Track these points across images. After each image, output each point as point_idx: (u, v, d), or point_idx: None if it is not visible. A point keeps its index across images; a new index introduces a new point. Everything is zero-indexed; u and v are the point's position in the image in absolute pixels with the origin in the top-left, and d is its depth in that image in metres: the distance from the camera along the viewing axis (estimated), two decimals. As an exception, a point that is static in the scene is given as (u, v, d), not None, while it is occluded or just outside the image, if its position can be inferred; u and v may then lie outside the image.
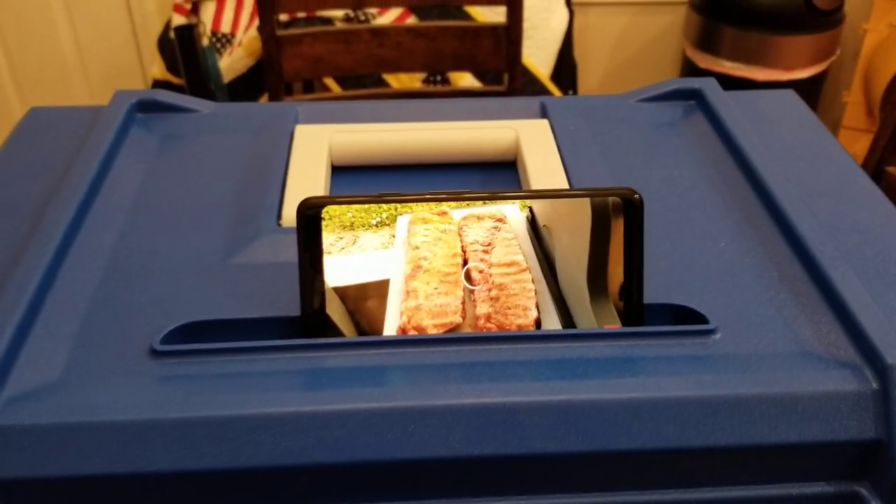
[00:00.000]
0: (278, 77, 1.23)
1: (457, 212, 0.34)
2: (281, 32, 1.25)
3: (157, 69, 1.79)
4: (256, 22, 1.74)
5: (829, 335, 0.35)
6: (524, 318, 0.34)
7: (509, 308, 0.34)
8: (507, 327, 0.35)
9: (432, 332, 0.34)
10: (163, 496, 0.31)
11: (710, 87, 0.52)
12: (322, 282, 0.34)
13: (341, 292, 0.34)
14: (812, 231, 0.39)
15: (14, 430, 0.31)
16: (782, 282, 0.38)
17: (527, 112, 0.51)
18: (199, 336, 0.35)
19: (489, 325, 0.34)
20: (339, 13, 1.59)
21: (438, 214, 0.34)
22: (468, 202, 0.34)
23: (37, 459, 0.30)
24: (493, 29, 1.27)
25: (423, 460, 0.31)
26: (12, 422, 0.31)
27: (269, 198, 0.43)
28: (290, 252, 0.37)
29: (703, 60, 1.86)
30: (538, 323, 0.35)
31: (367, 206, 0.33)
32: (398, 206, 0.34)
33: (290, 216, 0.41)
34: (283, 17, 1.51)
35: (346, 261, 0.33)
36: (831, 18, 1.84)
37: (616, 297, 0.35)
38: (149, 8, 2.10)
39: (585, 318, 0.35)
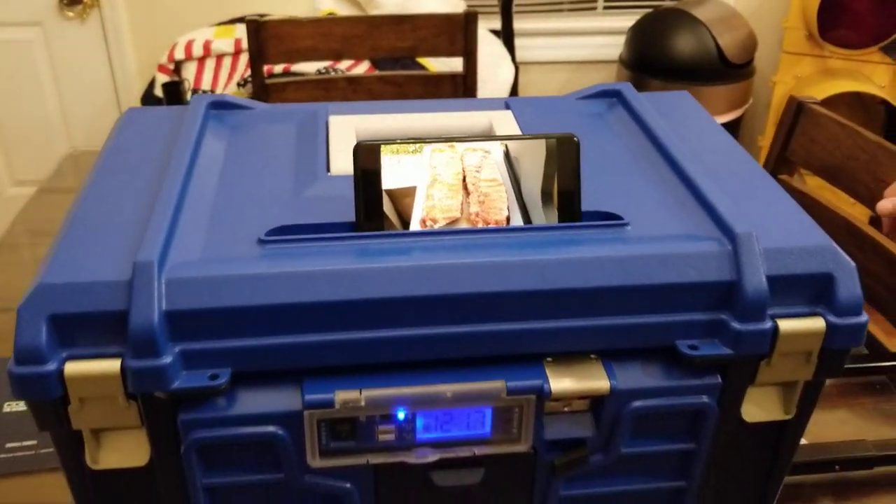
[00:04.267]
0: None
1: (460, 146, 0.53)
2: (269, 81, 1.43)
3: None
4: (235, 78, 1.93)
5: (702, 223, 0.53)
6: (500, 216, 0.53)
7: (490, 209, 0.52)
8: (489, 221, 0.53)
9: (441, 222, 0.52)
10: (269, 321, 0.48)
11: (627, 88, 0.71)
12: (372, 200, 0.52)
13: (389, 192, 0.52)
14: (694, 168, 0.58)
15: (177, 282, 0.47)
16: (672, 197, 0.57)
17: (496, 106, 0.70)
18: (286, 234, 0.52)
19: (477, 219, 0.52)
20: (312, 69, 1.79)
21: (449, 147, 0.52)
22: (467, 141, 0.53)
23: (192, 298, 0.47)
24: (452, 77, 1.47)
25: (435, 295, 0.48)
26: (177, 276, 0.47)
27: (318, 159, 0.60)
28: (336, 188, 0.55)
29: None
30: (508, 220, 0.53)
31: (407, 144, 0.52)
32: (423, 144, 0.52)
33: (335, 168, 0.59)
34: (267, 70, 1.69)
35: (393, 168, 0.51)
36: (742, 71, 2.10)
37: (560, 205, 0.54)
38: (130, 70, 2.27)
39: (539, 218, 0.54)
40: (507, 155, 0.54)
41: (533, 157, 0.54)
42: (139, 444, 0.51)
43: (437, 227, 0.53)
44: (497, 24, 2.12)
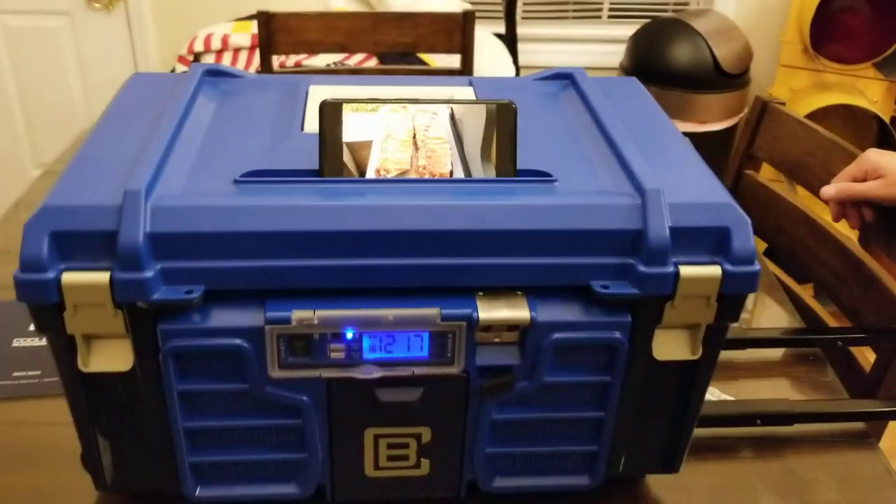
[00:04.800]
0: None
1: (412, 107, 0.61)
2: (277, 70, 1.53)
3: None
4: (250, 70, 2.03)
5: (620, 182, 0.61)
6: (444, 169, 0.61)
7: (436, 163, 0.61)
8: (434, 174, 0.61)
9: (392, 172, 0.60)
10: (238, 246, 0.56)
11: (579, 73, 0.79)
12: (333, 149, 0.60)
13: (349, 144, 0.60)
14: (622, 137, 0.66)
15: (161, 209, 0.56)
16: (599, 162, 0.64)
17: (461, 83, 0.78)
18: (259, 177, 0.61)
19: (424, 171, 0.61)
20: (321, 63, 1.88)
21: (402, 108, 0.60)
22: (418, 103, 0.61)
23: (172, 223, 0.55)
24: (449, 72, 1.55)
25: (383, 231, 0.56)
26: (161, 204, 0.56)
27: (295, 120, 0.69)
28: (307, 143, 0.63)
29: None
30: (451, 173, 0.61)
31: (371, 98, 0.60)
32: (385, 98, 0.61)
33: (308, 127, 0.68)
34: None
35: (354, 125, 0.59)
36: (737, 81, 2.17)
37: (497, 162, 0.62)
38: (152, 60, 2.38)
39: (478, 173, 0.62)
40: (452, 117, 0.62)
41: (476, 121, 0.62)
42: (124, 350, 0.59)
43: (388, 176, 0.61)
44: (501, 28, 2.20)
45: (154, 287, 0.56)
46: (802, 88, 2.29)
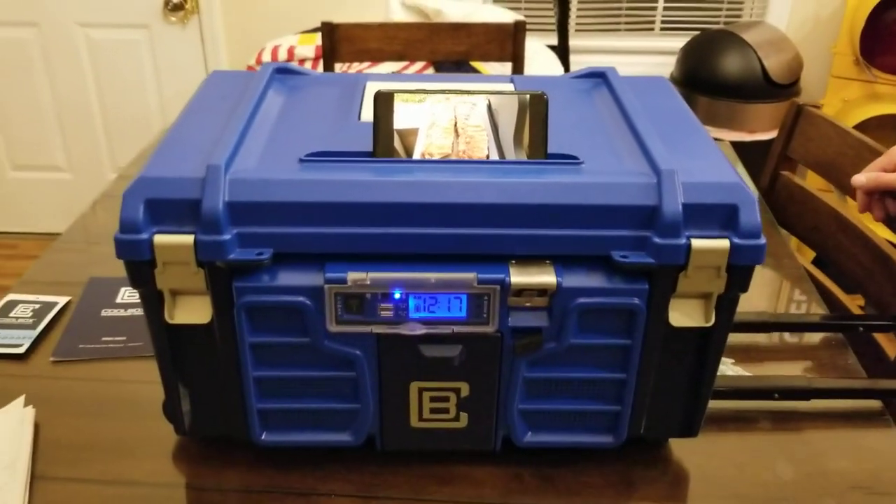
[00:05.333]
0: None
1: (455, 98, 0.69)
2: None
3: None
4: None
5: (640, 165, 0.69)
6: (481, 154, 0.69)
7: (474, 148, 0.69)
8: (472, 157, 0.69)
9: (436, 156, 0.69)
10: (302, 215, 0.65)
11: (612, 72, 0.87)
12: (385, 134, 0.69)
13: (399, 131, 0.69)
14: (645, 127, 0.73)
15: (237, 181, 0.65)
16: (623, 148, 0.72)
17: (504, 81, 0.86)
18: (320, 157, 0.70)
19: (463, 155, 0.69)
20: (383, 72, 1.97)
21: (445, 99, 0.69)
22: (459, 94, 0.69)
23: (247, 193, 0.65)
24: (501, 79, 1.62)
25: (427, 203, 0.64)
26: (237, 177, 0.65)
27: (353, 110, 0.78)
28: (363, 130, 0.72)
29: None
30: (488, 157, 0.69)
31: (420, 88, 0.69)
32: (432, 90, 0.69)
33: (364, 117, 0.77)
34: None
35: (403, 114, 0.68)
36: (788, 91, 2.21)
37: (529, 147, 0.70)
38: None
39: (511, 157, 0.70)
40: (489, 108, 0.70)
41: (510, 111, 0.70)
42: (204, 305, 0.68)
43: (432, 158, 0.70)
44: (555, 41, 2.28)
45: (230, 249, 0.65)
46: (854, 99, 2.31)
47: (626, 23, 2.50)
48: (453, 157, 0.70)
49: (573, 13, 2.46)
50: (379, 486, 0.75)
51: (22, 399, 0.83)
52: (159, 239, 0.65)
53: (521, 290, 0.67)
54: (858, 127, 2.29)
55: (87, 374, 0.89)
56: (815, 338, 0.98)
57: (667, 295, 0.68)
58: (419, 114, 0.70)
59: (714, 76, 2.19)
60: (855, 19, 2.23)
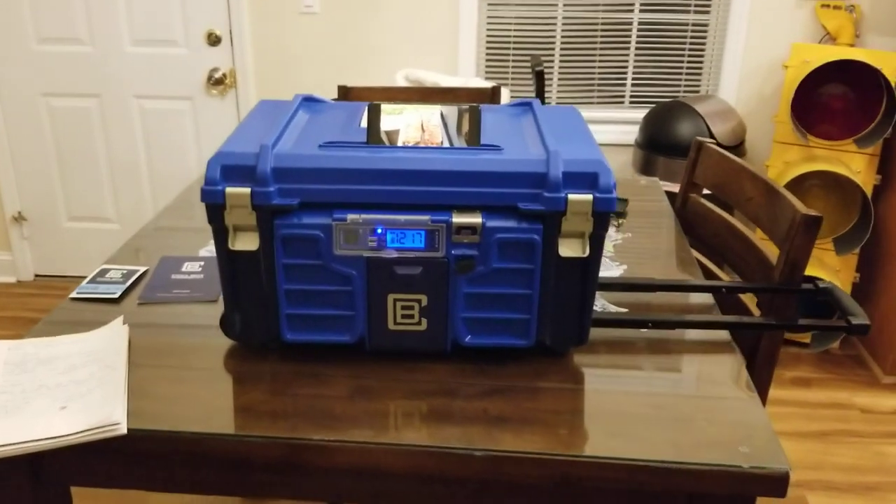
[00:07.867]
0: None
1: (421, 108, 1.08)
2: (351, 128, 2.02)
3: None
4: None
5: (540, 150, 1.06)
6: (438, 142, 1.07)
7: (433, 139, 1.07)
8: (432, 144, 1.07)
9: (410, 143, 1.07)
10: (318, 177, 1.03)
11: (536, 102, 1.26)
12: (375, 130, 1.07)
13: (386, 132, 1.07)
14: (548, 131, 1.11)
15: (279, 155, 1.03)
16: (532, 143, 1.10)
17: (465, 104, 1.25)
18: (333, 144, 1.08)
19: (427, 142, 1.07)
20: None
21: (415, 110, 1.07)
22: (422, 105, 1.08)
23: (285, 162, 1.02)
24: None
25: (401, 170, 1.02)
26: (279, 153, 1.03)
27: (355, 121, 1.17)
28: (362, 131, 1.10)
29: (645, 181, 2.60)
30: (441, 143, 1.07)
31: (399, 104, 1.07)
32: (407, 105, 1.08)
33: (363, 125, 1.15)
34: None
35: (388, 121, 1.06)
36: (733, 152, 2.59)
37: (467, 140, 1.07)
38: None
39: (457, 145, 1.08)
40: (442, 116, 1.09)
41: (457, 117, 1.09)
42: (254, 238, 1.05)
43: (407, 145, 1.08)
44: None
45: (273, 197, 1.02)
46: (794, 161, 2.70)
47: (599, 95, 2.91)
48: (421, 144, 1.08)
49: (554, 87, 2.88)
50: (366, 373, 1.10)
51: (121, 318, 1.20)
52: (229, 190, 1.02)
53: (460, 229, 1.04)
54: (797, 180, 2.67)
55: (163, 311, 1.26)
56: (692, 300, 1.34)
57: (555, 233, 1.05)
58: (398, 121, 1.09)
59: (669, 140, 2.58)
60: (790, 94, 2.64)
